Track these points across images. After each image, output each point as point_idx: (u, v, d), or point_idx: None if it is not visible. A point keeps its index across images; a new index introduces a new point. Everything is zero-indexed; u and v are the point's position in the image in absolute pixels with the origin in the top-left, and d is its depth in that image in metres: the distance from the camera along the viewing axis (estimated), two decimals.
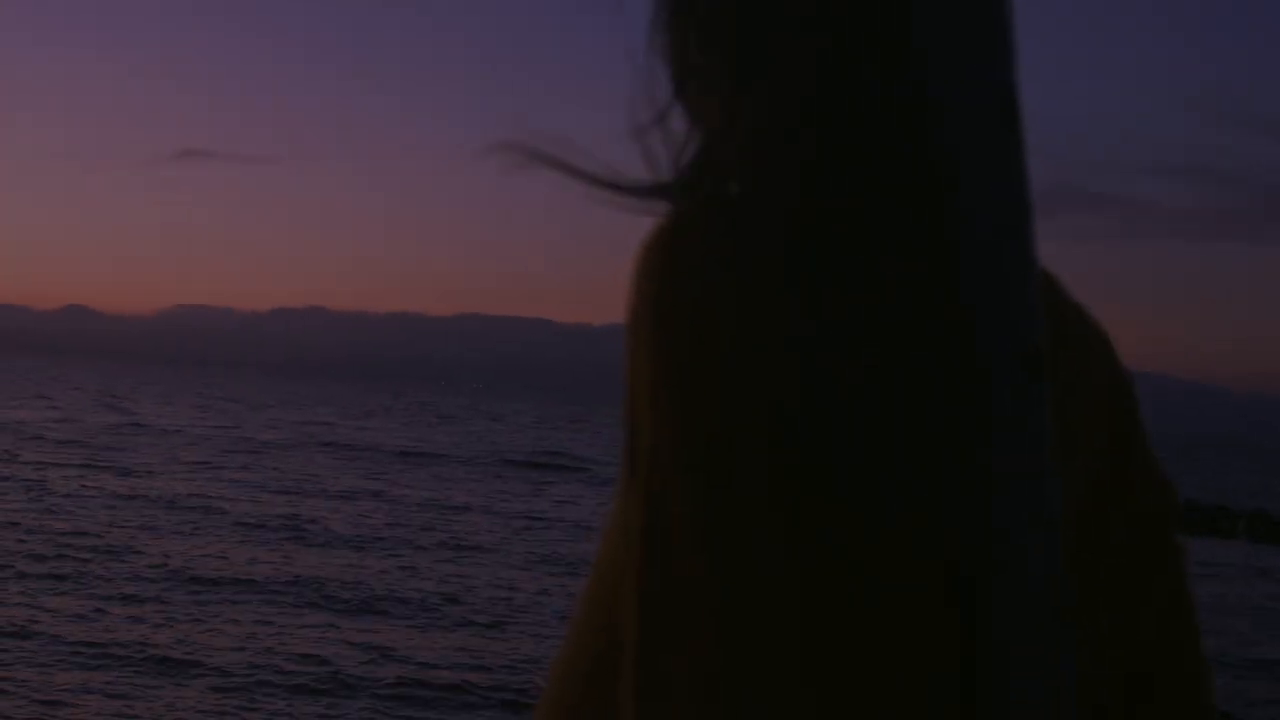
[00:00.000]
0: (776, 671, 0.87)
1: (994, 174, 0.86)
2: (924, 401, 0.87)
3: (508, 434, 61.12)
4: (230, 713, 9.99)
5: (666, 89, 1.01)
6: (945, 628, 0.87)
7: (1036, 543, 0.85)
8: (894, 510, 0.87)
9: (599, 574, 0.98)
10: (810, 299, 0.88)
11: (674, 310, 0.89)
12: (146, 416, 50.87)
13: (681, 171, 1.00)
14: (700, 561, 0.88)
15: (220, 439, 41.56)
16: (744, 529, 0.87)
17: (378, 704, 10.63)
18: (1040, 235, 0.88)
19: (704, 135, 1.00)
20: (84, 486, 24.73)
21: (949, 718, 0.86)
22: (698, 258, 0.89)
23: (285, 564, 17.27)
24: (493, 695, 11.18)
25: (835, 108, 0.92)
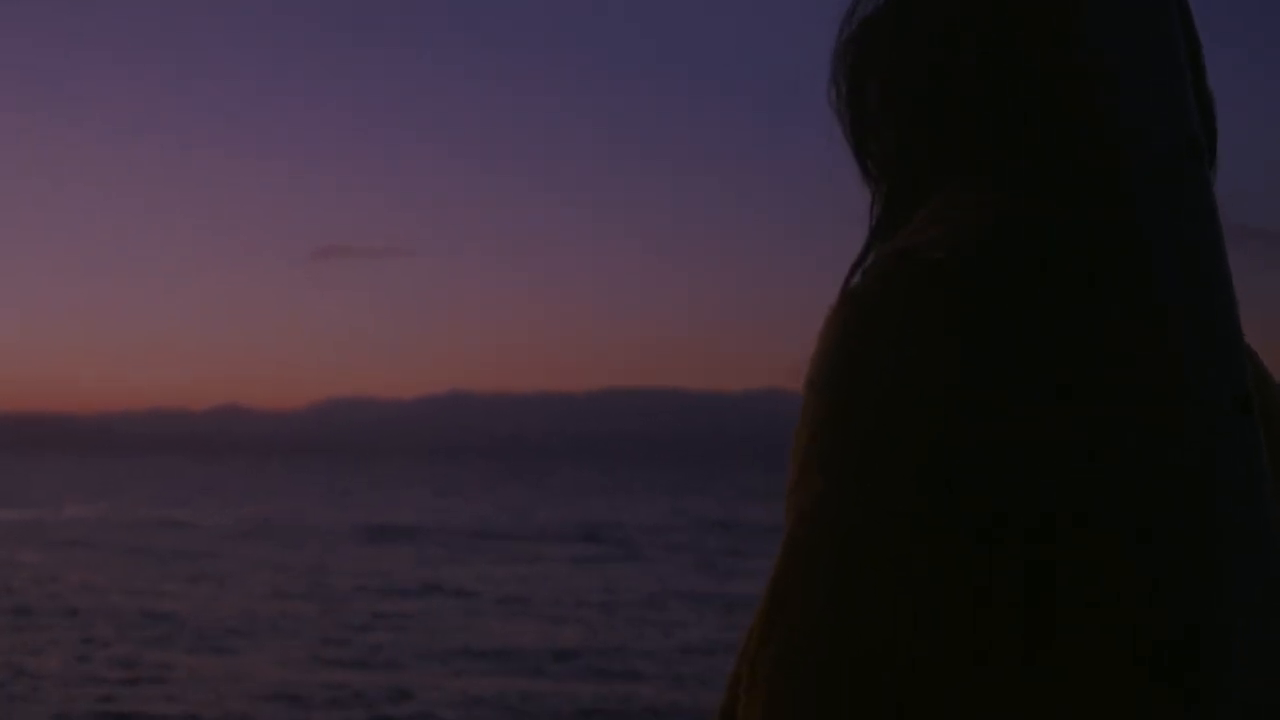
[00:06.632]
0: None
1: (1191, 236, 0.86)
2: (1138, 460, 0.83)
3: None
4: None
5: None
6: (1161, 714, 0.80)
7: (1270, 612, 0.77)
8: (1101, 580, 0.82)
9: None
10: (1021, 362, 0.85)
11: (866, 373, 0.86)
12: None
13: (874, 227, 1.02)
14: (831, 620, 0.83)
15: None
16: (902, 601, 0.82)
17: None
18: None
19: (887, 196, 1.02)
20: None
21: None
22: (897, 321, 0.86)
23: None
24: None
25: (1043, 182, 0.92)
